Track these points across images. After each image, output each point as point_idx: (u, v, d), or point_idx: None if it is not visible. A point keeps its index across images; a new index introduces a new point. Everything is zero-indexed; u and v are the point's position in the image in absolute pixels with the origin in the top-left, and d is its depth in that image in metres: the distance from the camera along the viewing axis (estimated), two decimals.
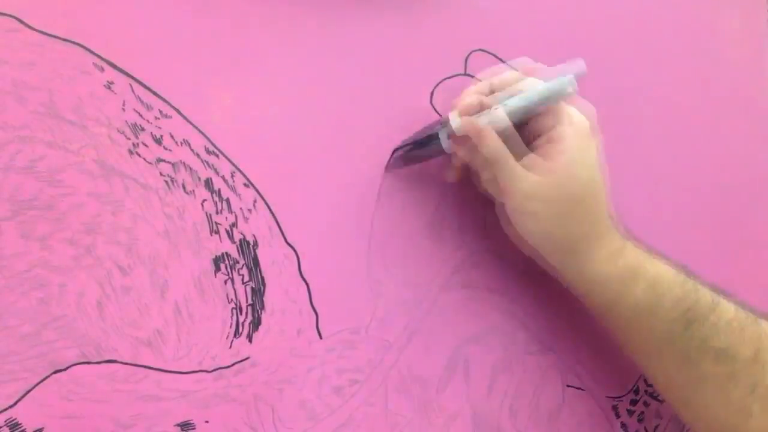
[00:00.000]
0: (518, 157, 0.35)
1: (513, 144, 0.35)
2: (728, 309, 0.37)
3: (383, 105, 0.38)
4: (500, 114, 0.35)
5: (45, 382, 0.28)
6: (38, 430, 0.28)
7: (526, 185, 0.34)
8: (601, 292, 0.37)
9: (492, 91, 0.36)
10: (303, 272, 0.35)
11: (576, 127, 0.35)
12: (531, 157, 0.35)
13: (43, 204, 0.29)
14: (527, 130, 0.36)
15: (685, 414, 0.39)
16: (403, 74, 0.39)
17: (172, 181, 0.32)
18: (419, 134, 0.38)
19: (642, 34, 0.51)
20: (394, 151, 0.38)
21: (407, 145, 0.38)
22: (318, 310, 0.35)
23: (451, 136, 0.36)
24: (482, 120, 0.35)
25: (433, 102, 0.40)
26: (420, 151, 0.38)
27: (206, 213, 0.32)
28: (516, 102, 0.35)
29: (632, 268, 0.37)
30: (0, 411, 0.28)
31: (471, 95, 0.36)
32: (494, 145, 0.34)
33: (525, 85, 0.36)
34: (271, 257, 0.34)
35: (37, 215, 0.29)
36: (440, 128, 0.36)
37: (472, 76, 0.41)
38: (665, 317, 0.36)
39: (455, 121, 0.35)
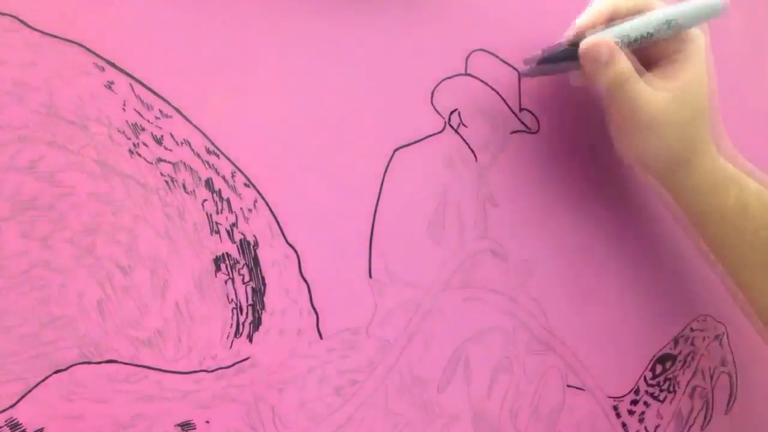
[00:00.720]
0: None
1: (633, 63, 0.37)
2: None
3: (383, 105, 0.38)
4: (623, 33, 0.37)
5: (45, 382, 0.28)
6: (38, 430, 0.28)
7: (655, 102, 0.36)
8: (696, 201, 0.40)
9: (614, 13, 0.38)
10: (303, 272, 0.34)
11: (696, 43, 0.38)
12: (650, 77, 0.37)
13: (43, 204, 0.29)
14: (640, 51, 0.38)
15: None
16: (403, 74, 0.39)
17: (173, 181, 0.32)
18: (552, 49, 0.40)
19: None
20: (395, 151, 0.38)
21: (540, 58, 0.40)
22: (318, 310, 0.35)
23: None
24: (609, 34, 0.37)
25: (433, 102, 0.40)
26: (553, 66, 0.40)
27: (207, 213, 0.32)
28: (638, 26, 0.37)
29: (726, 177, 0.39)
30: (0, 411, 0.28)
31: (600, 11, 0.38)
32: (625, 66, 0.36)
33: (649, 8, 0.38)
34: (272, 257, 0.34)
35: (37, 215, 0.29)
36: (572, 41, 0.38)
37: (472, 76, 0.41)
38: (752, 226, 0.39)
39: (587, 39, 0.37)
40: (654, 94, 0.37)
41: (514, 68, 0.43)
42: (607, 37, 0.37)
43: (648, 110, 0.37)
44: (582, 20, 0.39)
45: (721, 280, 0.48)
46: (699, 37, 0.39)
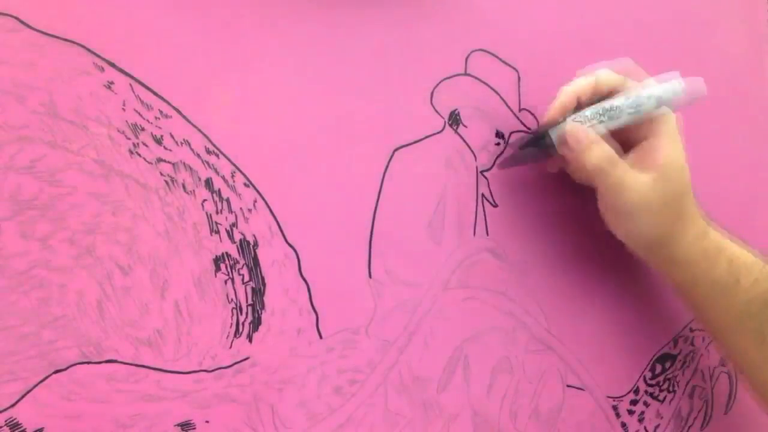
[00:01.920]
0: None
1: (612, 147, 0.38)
2: None
3: (383, 105, 0.38)
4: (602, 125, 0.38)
5: (45, 382, 0.28)
6: (38, 430, 0.28)
7: (638, 186, 0.37)
8: (685, 271, 0.40)
9: (593, 92, 0.39)
10: (303, 272, 0.35)
11: (668, 121, 0.38)
12: (631, 159, 0.38)
13: (43, 204, 0.29)
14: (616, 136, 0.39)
15: (761, 393, 0.42)
16: (403, 74, 0.39)
17: (173, 181, 0.32)
18: (524, 139, 0.40)
19: (642, 33, 0.51)
20: (395, 151, 0.38)
21: (509, 160, 0.41)
22: (318, 310, 0.35)
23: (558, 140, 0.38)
24: (577, 123, 0.37)
25: (433, 102, 0.40)
26: (526, 152, 0.40)
27: (206, 213, 0.32)
28: (629, 107, 0.38)
29: (715, 247, 0.39)
30: (0, 411, 0.28)
31: (569, 96, 0.38)
32: (603, 151, 0.37)
33: (626, 89, 0.38)
34: (272, 257, 0.34)
35: (37, 215, 0.29)
36: (549, 130, 0.38)
37: (472, 76, 0.41)
38: (744, 296, 0.39)
39: (560, 127, 0.38)
40: (636, 178, 0.37)
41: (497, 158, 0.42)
42: (580, 121, 0.37)
43: (631, 194, 0.37)
44: (554, 108, 0.39)
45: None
46: (669, 116, 0.39)
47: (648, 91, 0.37)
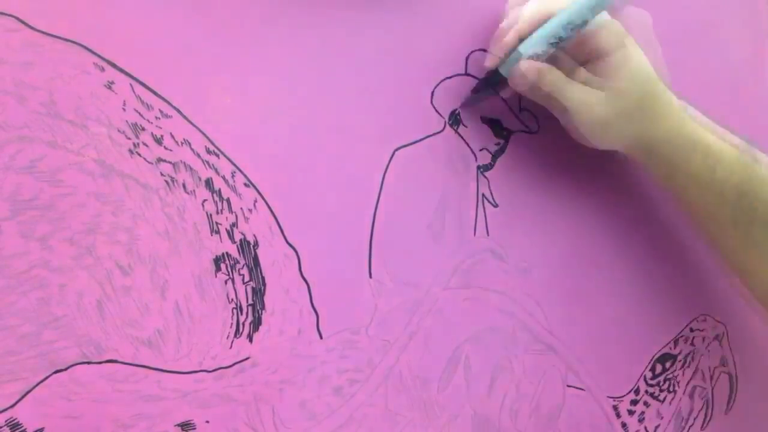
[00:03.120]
0: (569, 73, 0.38)
1: (563, 63, 0.38)
2: None
3: (383, 105, 0.38)
4: (540, 43, 0.37)
5: (45, 382, 0.28)
6: (38, 430, 0.28)
7: (591, 104, 0.37)
8: (661, 164, 0.41)
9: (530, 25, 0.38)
10: (303, 272, 0.34)
11: (616, 31, 0.38)
12: (582, 73, 0.38)
13: (43, 204, 0.29)
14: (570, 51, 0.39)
15: (742, 279, 0.43)
16: (403, 74, 0.39)
17: (173, 181, 0.32)
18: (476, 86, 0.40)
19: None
20: (395, 151, 0.38)
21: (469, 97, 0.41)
22: (318, 310, 0.35)
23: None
24: (526, 50, 0.37)
25: (433, 102, 0.40)
26: (485, 92, 0.40)
27: (207, 213, 0.32)
28: (557, 22, 0.37)
29: (691, 140, 0.40)
30: (0, 411, 0.28)
31: (508, 33, 0.38)
32: (554, 78, 0.37)
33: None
34: (272, 257, 0.34)
35: (37, 215, 0.29)
36: (498, 66, 0.39)
37: (472, 76, 0.41)
38: (718, 186, 0.39)
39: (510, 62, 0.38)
40: (588, 97, 0.38)
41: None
42: (525, 53, 0.37)
43: (586, 114, 0.38)
44: (496, 47, 0.39)
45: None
46: (611, 23, 0.38)
47: (578, 3, 0.37)
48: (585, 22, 0.37)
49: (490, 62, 0.39)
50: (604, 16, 0.38)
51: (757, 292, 0.43)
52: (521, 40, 0.38)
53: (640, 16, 0.40)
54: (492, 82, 0.40)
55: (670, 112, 0.40)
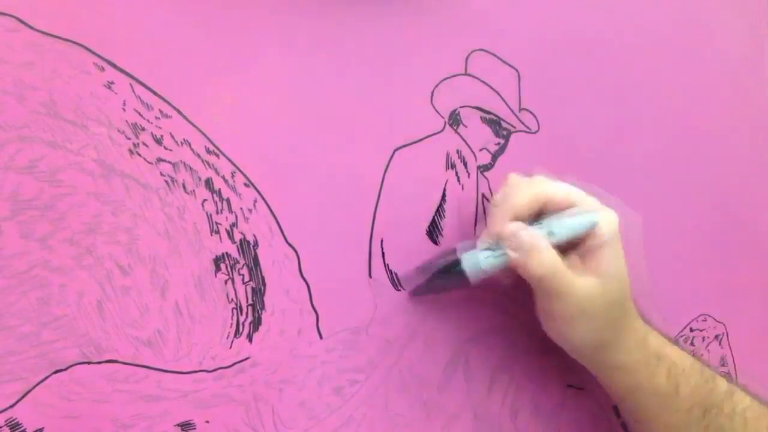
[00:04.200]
0: None
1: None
2: (743, 398, 0.39)
3: (383, 105, 0.38)
4: (542, 231, 0.35)
5: (45, 382, 0.28)
6: (38, 430, 0.28)
7: (581, 292, 0.35)
8: (625, 379, 0.38)
9: (516, 217, 0.36)
10: (303, 272, 0.35)
11: (610, 228, 0.36)
12: (570, 261, 0.36)
13: (43, 204, 0.29)
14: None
15: None
16: (403, 74, 0.39)
17: (173, 181, 0.32)
18: (432, 265, 0.37)
19: (642, 33, 0.51)
20: (395, 151, 0.38)
21: (423, 276, 0.37)
22: (318, 310, 0.35)
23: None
24: (527, 238, 0.35)
25: (433, 102, 0.40)
26: (442, 282, 0.37)
27: (206, 213, 0.32)
28: (565, 232, 0.36)
29: (655, 355, 0.38)
30: (0, 411, 0.28)
31: (502, 223, 0.36)
32: (547, 257, 0.34)
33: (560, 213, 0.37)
34: (272, 257, 0.34)
35: (37, 215, 0.29)
36: (460, 255, 0.35)
37: (472, 76, 0.41)
38: (684, 403, 0.38)
39: (512, 237, 0.35)
40: (580, 282, 0.35)
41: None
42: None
43: (576, 299, 0.35)
44: (490, 228, 0.36)
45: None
46: (610, 221, 0.37)
47: (588, 216, 0.36)
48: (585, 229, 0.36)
49: (486, 238, 0.36)
50: (597, 210, 0.37)
51: None
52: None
53: (632, 218, 0.39)
54: (451, 271, 0.36)
55: (636, 322, 0.39)
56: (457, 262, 0.35)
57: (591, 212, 0.36)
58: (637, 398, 0.39)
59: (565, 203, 0.37)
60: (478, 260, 0.35)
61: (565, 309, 0.36)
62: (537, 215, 0.37)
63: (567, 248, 0.37)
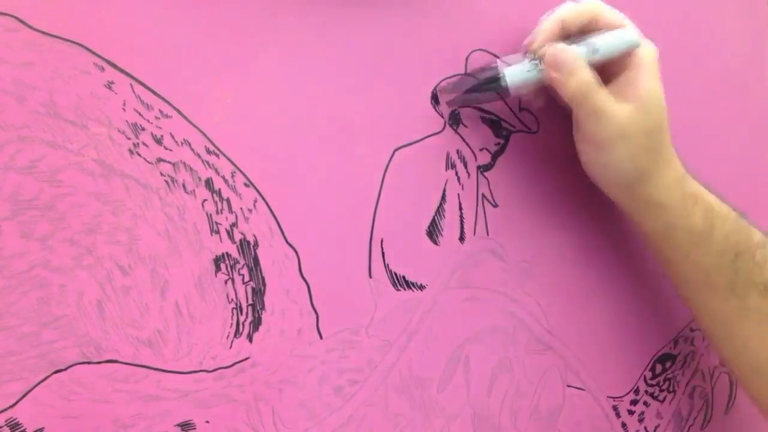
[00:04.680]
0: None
1: (595, 82, 0.37)
2: None
3: (383, 105, 0.38)
4: (584, 49, 0.37)
5: (45, 382, 0.28)
6: (38, 430, 0.28)
7: (618, 114, 0.36)
8: (661, 216, 0.39)
9: (563, 30, 0.38)
10: (303, 272, 0.35)
11: (649, 56, 0.38)
12: (612, 90, 0.37)
13: (43, 204, 0.29)
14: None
15: (725, 350, 0.41)
16: (403, 74, 0.39)
17: (173, 181, 0.32)
18: (472, 77, 0.38)
19: (642, 33, 0.51)
20: (395, 151, 0.38)
21: (460, 89, 0.39)
22: (318, 310, 0.35)
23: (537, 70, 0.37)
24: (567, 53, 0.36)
25: (433, 102, 0.40)
26: (477, 95, 0.39)
27: (206, 213, 0.32)
28: (607, 47, 0.37)
29: (693, 194, 0.38)
30: (0, 411, 0.28)
31: (546, 37, 0.37)
32: (583, 78, 0.35)
33: (597, 22, 0.38)
34: (272, 257, 0.34)
35: (37, 215, 0.29)
36: (501, 67, 0.37)
37: (472, 76, 0.41)
38: (717, 246, 0.38)
39: (546, 49, 0.37)
40: (616, 106, 0.36)
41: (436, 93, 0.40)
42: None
43: (613, 120, 0.36)
44: (536, 38, 0.38)
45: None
46: (650, 51, 0.38)
47: (631, 35, 0.37)
48: (626, 46, 0.38)
49: (530, 46, 0.38)
50: (640, 36, 0.38)
51: (745, 369, 0.40)
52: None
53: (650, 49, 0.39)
54: (490, 86, 0.38)
55: (673, 159, 0.39)
56: (496, 77, 0.37)
57: (634, 34, 0.37)
58: (670, 236, 0.39)
59: (612, 24, 0.38)
60: (517, 72, 0.36)
61: (602, 131, 0.36)
62: (582, 33, 0.38)
63: (609, 76, 0.38)
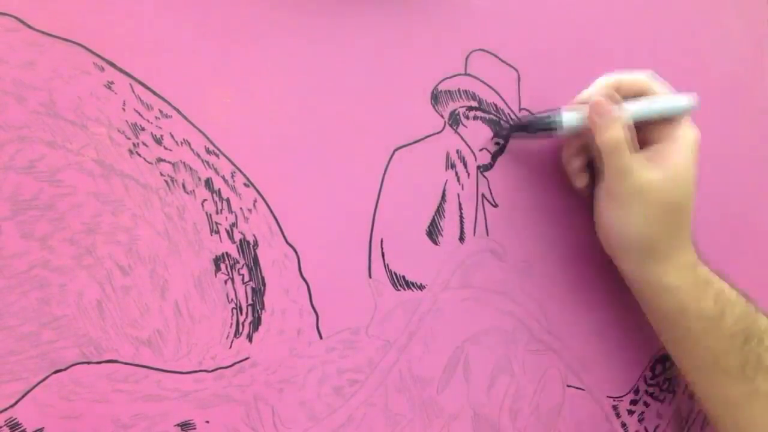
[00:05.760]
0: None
1: (629, 140, 0.38)
2: None
3: (383, 105, 0.38)
4: (628, 110, 0.38)
5: (45, 382, 0.28)
6: (38, 430, 0.28)
7: (643, 177, 0.37)
8: (673, 299, 0.39)
9: (617, 90, 0.39)
10: (303, 272, 0.35)
11: (690, 136, 0.38)
12: (644, 155, 0.38)
13: (43, 204, 0.29)
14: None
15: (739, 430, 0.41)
16: (403, 74, 0.39)
17: (173, 181, 0.32)
18: (537, 119, 0.41)
19: (642, 33, 0.51)
20: (395, 151, 0.38)
21: (519, 126, 0.42)
22: (318, 310, 0.35)
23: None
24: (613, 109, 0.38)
25: (433, 102, 0.40)
26: (533, 134, 0.41)
27: (206, 213, 0.32)
28: (643, 106, 0.39)
29: (705, 279, 0.39)
30: (0, 411, 0.28)
31: (600, 91, 0.39)
32: (618, 132, 0.37)
33: (649, 92, 0.40)
34: (272, 257, 0.34)
35: (37, 215, 0.29)
36: (561, 111, 0.39)
37: (472, 76, 0.41)
38: (727, 330, 0.38)
39: (591, 98, 0.39)
40: (646, 167, 0.37)
41: (500, 121, 0.43)
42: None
43: (637, 181, 0.37)
44: (586, 93, 0.40)
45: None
46: (691, 128, 0.39)
47: (678, 102, 0.39)
48: (668, 114, 0.39)
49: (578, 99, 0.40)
50: (686, 106, 0.39)
51: None
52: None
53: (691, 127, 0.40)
54: (545, 127, 0.40)
55: (690, 244, 0.39)
56: (552, 120, 0.40)
57: (685, 101, 0.39)
58: (681, 320, 0.39)
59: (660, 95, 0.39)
60: (567, 117, 0.39)
61: (625, 188, 0.37)
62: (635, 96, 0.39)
63: (649, 143, 0.39)
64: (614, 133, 0.37)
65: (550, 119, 0.40)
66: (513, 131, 0.42)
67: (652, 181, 0.37)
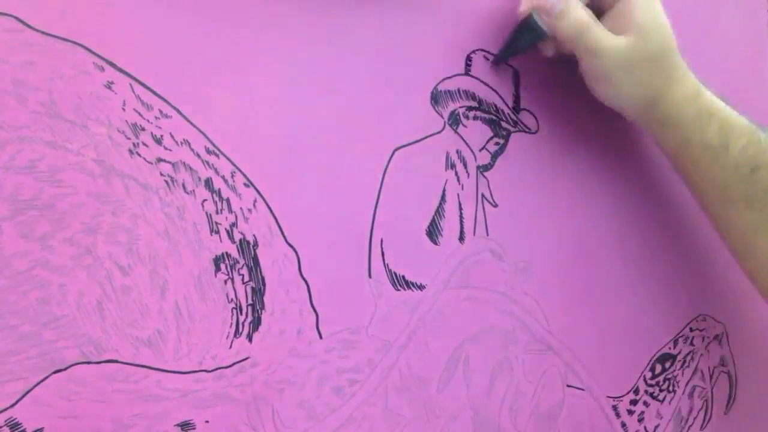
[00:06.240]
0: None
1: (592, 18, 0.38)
2: None
3: (383, 105, 0.38)
4: None
5: (45, 382, 0.28)
6: (38, 430, 0.28)
7: (614, 48, 0.37)
8: (676, 133, 0.39)
9: None
10: (303, 272, 0.35)
11: None
12: (606, 23, 0.38)
13: (43, 204, 0.29)
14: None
15: (746, 262, 0.42)
16: (403, 74, 0.39)
17: (173, 181, 0.32)
18: (510, 38, 0.40)
19: None
20: (395, 151, 0.38)
21: (502, 52, 0.41)
22: (318, 310, 0.35)
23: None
24: None
25: (433, 102, 0.40)
26: (517, 47, 0.41)
27: (206, 213, 0.32)
28: None
29: (707, 109, 0.39)
30: (0, 411, 0.28)
31: None
32: (577, 15, 0.37)
33: None
34: (272, 257, 0.34)
35: (37, 215, 0.29)
36: (531, 17, 0.39)
37: (472, 76, 0.41)
38: (733, 159, 0.38)
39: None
40: (611, 40, 0.37)
41: (488, 56, 0.42)
42: None
43: (608, 58, 0.37)
44: None
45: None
46: None
47: None
48: None
49: (524, 5, 0.39)
50: None
51: (764, 280, 0.41)
52: None
53: None
54: (529, 32, 0.39)
55: (686, 77, 0.40)
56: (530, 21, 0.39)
57: None
58: (686, 152, 0.40)
59: None
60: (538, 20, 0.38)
61: (600, 66, 0.38)
62: None
63: (603, 10, 0.39)
64: (572, 21, 0.37)
65: (531, 25, 0.39)
66: (501, 59, 0.42)
67: (624, 50, 0.37)
